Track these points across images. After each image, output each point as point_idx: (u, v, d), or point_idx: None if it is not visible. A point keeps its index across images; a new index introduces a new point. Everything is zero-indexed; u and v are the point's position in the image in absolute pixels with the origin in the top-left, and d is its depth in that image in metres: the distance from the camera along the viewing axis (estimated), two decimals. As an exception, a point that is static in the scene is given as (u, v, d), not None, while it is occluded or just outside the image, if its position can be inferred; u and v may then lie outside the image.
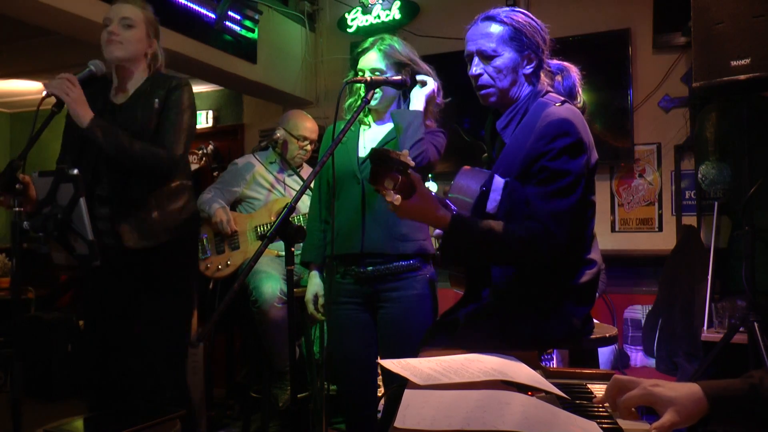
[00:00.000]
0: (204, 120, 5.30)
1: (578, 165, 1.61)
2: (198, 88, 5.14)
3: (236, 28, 4.01)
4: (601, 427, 1.00)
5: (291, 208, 1.63)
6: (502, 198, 1.63)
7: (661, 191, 3.99)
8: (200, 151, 4.02)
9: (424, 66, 2.22)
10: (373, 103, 2.19)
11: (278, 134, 3.29)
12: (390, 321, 2.20)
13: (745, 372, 1.03)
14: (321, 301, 2.34)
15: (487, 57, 1.70)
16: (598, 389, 1.25)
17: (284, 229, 1.60)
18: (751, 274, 2.81)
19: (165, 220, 2.28)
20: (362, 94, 2.24)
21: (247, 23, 4.09)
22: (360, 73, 2.19)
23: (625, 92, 3.95)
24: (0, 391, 4.32)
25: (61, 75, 2.13)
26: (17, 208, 1.88)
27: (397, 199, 1.36)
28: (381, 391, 2.63)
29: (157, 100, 2.25)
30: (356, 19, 4.64)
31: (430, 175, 2.78)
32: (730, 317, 3.30)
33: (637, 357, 3.72)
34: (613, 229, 4.09)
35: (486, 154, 1.90)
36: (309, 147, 3.35)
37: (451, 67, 2.36)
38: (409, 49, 2.23)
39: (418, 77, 2.18)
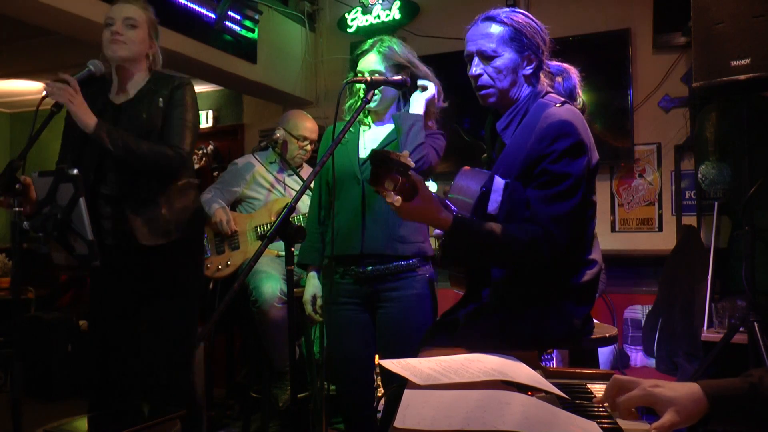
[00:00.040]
0: (204, 120, 5.30)
1: (579, 167, 1.61)
2: (198, 88, 5.11)
3: (236, 28, 4.01)
4: (601, 427, 1.00)
5: (291, 208, 1.63)
6: (502, 199, 1.63)
7: (661, 191, 3.99)
8: (200, 151, 4.02)
9: (423, 68, 2.22)
10: (372, 104, 2.20)
11: (278, 134, 3.29)
12: (389, 321, 2.20)
13: (745, 372, 1.03)
14: (319, 302, 2.34)
15: (487, 57, 1.70)
16: (598, 389, 1.25)
17: (284, 229, 1.60)
18: (751, 274, 2.81)
19: (174, 218, 2.29)
20: (362, 95, 2.24)
21: (247, 23, 4.09)
22: (359, 75, 2.19)
23: (625, 92, 3.95)
24: (0, 391, 4.32)
25: (60, 76, 2.13)
26: (17, 208, 1.88)
27: (397, 200, 1.35)
28: (380, 392, 2.63)
29: (161, 99, 2.26)
30: (356, 19, 4.64)
31: (430, 177, 2.78)
32: (730, 317, 3.30)
33: (637, 357, 3.72)
34: (613, 229, 4.09)
35: (486, 155, 1.90)
36: (309, 147, 3.35)
37: (451, 67, 2.36)
38: (408, 51, 2.22)
39: (419, 82, 2.19)
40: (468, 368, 1.21)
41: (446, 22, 4.35)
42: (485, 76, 1.71)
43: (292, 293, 1.68)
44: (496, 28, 1.70)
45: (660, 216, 3.99)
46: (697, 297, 3.45)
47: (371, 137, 2.29)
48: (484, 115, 1.87)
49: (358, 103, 2.25)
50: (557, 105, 1.66)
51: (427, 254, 2.23)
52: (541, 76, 1.76)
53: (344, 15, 4.69)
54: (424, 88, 2.18)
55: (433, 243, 2.38)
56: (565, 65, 1.83)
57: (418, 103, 2.17)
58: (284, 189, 3.34)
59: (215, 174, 4.16)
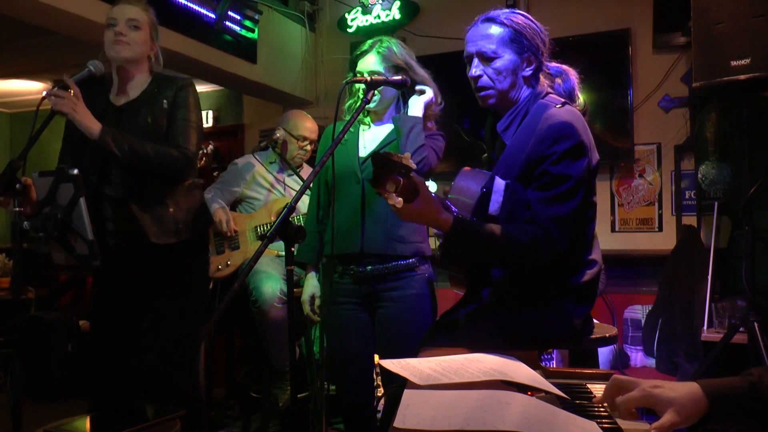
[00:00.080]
0: (204, 120, 5.28)
1: (579, 168, 1.61)
2: (198, 88, 5.09)
3: (236, 28, 4.01)
4: (601, 427, 1.00)
5: (291, 208, 1.63)
6: (503, 200, 1.63)
7: (661, 191, 3.99)
8: (200, 151, 4.02)
9: (421, 72, 2.23)
10: (372, 104, 2.20)
11: (278, 134, 3.29)
12: (389, 320, 2.20)
13: (745, 371, 1.03)
14: (318, 302, 2.35)
15: (487, 58, 1.70)
16: (598, 389, 1.25)
17: (284, 229, 1.60)
18: (751, 274, 2.81)
19: (183, 217, 2.30)
20: (361, 95, 2.24)
21: (247, 23, 4.09)
22: (359, 75, 2.20)
23: (625, 92, 3.95)
24: (0, 391, 4.32)
25: (62, 81, 2.12)
26: (17, 209, 1.88)
27: (399, 201, 1.36)
28: (380, 392, 2.63)
29: (165, 101, 2.28)
30: (356, 19, 4.64)
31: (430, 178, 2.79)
32: (730, 317, 3.30)
33: (637, 357, 3.72)
34: (613, 229, 4.09)
35: (486, 155, 1.90)
36: (309, 147, 3.35)
37: (450, 67, 2.36)
38: (407, 53, 2.23)
39: (417, 87, 2.20)
40: (468, 368, 1.21)
41: (446, 22, 4.35)
42: (485, 78, 1.71)
43: (292, 293, 1.68)
44: (496, 30, 1.70)
45: (660, 216, 3.99)
46: (697, 297, 3.45)
47: (371, 137, 2.29)
48: (484, 115, 1.87)
49: (358, 103, 2.26)
50: (557, 106, 1.66)
51: (425, 254, 2.23)
52: (541, 77, 1.76)
53: (344, 15, 4.69)
54: (422, 92, 2.20)
55: (433, 243, 2.38)
56: (564, 66, 1.83)
57: (416, 106, 2.19)
58: (284, 189, 3.34)
59: (215, 174, 4.16)
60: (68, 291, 5.27)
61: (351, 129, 2.24)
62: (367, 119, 2.32)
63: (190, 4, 3.65)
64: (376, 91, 2.16)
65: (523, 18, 1.72)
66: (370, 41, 2.25)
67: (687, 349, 3.39)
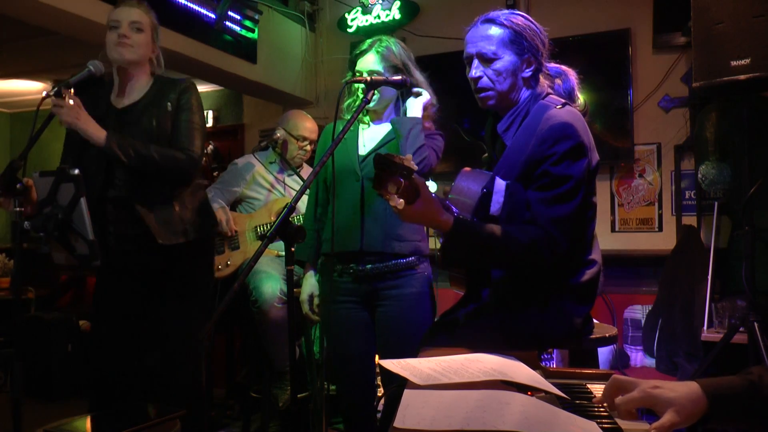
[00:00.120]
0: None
1: (579, 169, 1.61)
2: (198, 88, 5.13)
3: (236, 28, 4.01)
4: (601, 427, 1.00)
5: (291, 208, 1.63)
6: (504, 200, 1.63)
7: (661, 191, 3.99)
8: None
9: (418, 75, 2.24)
10: (371, 104, 2.20)
11: (278, 134, 3.29)
12: (389, 319, 2.21)
13: (745, 370, 1.03)
14: (316, 301, 2.35)
15: (487, 60, 1.70)
16: (598, 389, 1.25)
17: (284, 229, 1.60)
18: (751, 274, 2.81)
19: (189, 218, 2.31)
20: (360, 95, 2.25)
21: (247, 23, 4.09)
22: (358, 75, 2.21)
23: (625, 92, 3.95)
24: (0, 391, 4.32)
25: (59, 88, 2.12)
26: (18, 209, 1.88)
27: (400, 203, 1.36)
28: (380, 391, 2.63)
29: (169, 103, 2.29)
30: (356, 19, 4.64)
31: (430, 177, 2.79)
32: (730, 317, 3.30)
33: (637, 357, 3.72)
34: (613, 229, 4.09)
35: (486, 155, 1.90)
36: (308, 147, 3.35)
37: (450, 67, 2.37)
38: (405, 53, 2.24)
39: (414, 90, 2.22)
40: (468, 368, 1.21)
41: (446, 22, 4.36)
42: (485, 79, 1.71)
43: (292, 293, 1.68)
44: (496, 31, 1.70)
45: (660, 216, 3.99)
46: (697, 297, 3.45)
47: (370, 136, 2.30)
48: (484, 115, 1.87)
49: (357, 102, 2.27)
50: (558, 107, 1.66)
51: (424, 252, 2.24)
52: (541, 78, 1.76)
53: (344, 15, 4.69)
54: (418, 94, 2.22)
55: (433, 243, 2.38)
56: (564, 67, 1.83)
57: (415, 107, 2.20)
58: (284, 189, 3.34)
59: (215, 174, 4.17)
60: (68, 291, 5.27)
61: (350, 128, 2.24)
62: (366, 118, 2.33)
63: (190, 4, 3.65)
64: (375, 91, 2.16)
65: (523, 19, 1.72)
66: (369, 40, 2.25)
67: (687, 349, 3.39)
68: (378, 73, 2.18)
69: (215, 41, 3.86)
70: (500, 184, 1.64)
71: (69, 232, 1.95)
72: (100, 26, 3.04)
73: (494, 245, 1.56)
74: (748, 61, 2.65)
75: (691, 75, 3.06)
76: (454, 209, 1.61)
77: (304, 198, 2.68)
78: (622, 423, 1.04)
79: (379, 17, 4.57)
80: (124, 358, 2.33)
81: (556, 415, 1.01)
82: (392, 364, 1.22)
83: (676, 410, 0.96)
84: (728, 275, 3.60)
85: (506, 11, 1.74)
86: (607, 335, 1.86)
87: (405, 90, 2.21)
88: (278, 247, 3.10)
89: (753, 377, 0.99)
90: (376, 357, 2.37)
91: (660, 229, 3.98)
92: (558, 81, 1.81)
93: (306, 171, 3.43)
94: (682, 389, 0.98)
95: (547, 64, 1.79)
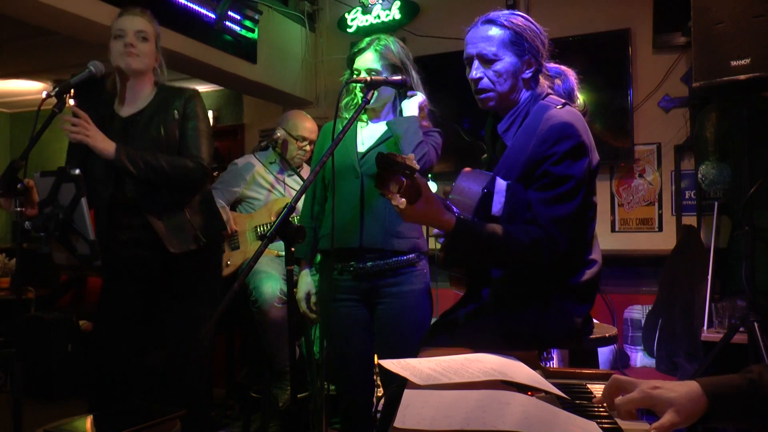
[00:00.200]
0: (204, 120, 5.30)
1: (580, 169, 1.61)
2: (198, 88, 5.12)
3: (236, 28, 4.01)
4: (601, 427, 1.00)
5: (291, 208, 1.63)
6: (505, 200, 1.63)
7: (661, 191, 4.00)
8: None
9: (414, 74, 2.26)
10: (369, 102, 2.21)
11: (278, 134, 3.29)
12: (389, 317, 2.21)
13: (745, 368, 1.03)
14: (313, 299, 2.35)
15: (487, 61, 1.70)
16: (598, 389, 1.25)
17: (284, 229, 1.60)
18: (751, 274, 2.81)
19: (199, 223, 2.33)
20: (358, 93, 2.26)
21: (247, 23, 4.09)
22: (356, 73, 2.22)
23: (625, 92, 3.95)
24: (0, 391, 4.32)
25: (70, 113, 2.13)
26: (19, 209, 1.89)
27: (402, 202, 1.36)
28: (380, 392, 2.63)
29: (175, 111, 2.30)
30: (356, 19, 4.64)
31: (429, 175, 2.79)
32: (730, 317, 3.30)
33: (637, 357, 3.72)
34: (613, 229, 4.09)
35: (486, 155, 1.91)
36: (308, 147, 3.35)
37: (450, 67, 2.37)
38: (404, 52, 2.26)
39: (408, 93, 2.24)
40: (468, 368, 1.21)
41: (446, 22, 4.36)
42: (485, 80, 1.71)
43: (292, 293, 1.68)
44: (496, 31, 1.70)
45: (660, 216, 3.99)
46: (697, 297, 3.45)
47: (368, 134, 2.31)
48: (484, 115, 1.87)
49: (355, 101, 2.28)
50: (558, 107, 1.66)
51: (422, 249, 2.25)
52: (540, 78, 1.77)
53: (344, 15, 4.69)
54: (412, 95, 2.23)
55: (433, 244, 2.38)
56: (563, 67, 1.83)
57: (411, 107, 2.22)
58: (284, 189, 3.34)
59: (215, 174, 4.17)
60: (68, 291, 5.26)
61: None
62: (364, 117, 2.33)
63: (190, 4, 3.65)
64: (374, 90, 2.17)
65: (523, 20, 1.72)
66: (368, 39, 2.26)
67: (687, 349, 3.39)
68: (376, 71, 2.18)
69: (215, 41, 3.86)
70: (501, 184, 1.64)
71: (70, 232, 1.95)
72: (100, 26, 3.06)
73: (495, 245, 1.56)
74: (748, 61, 2.65)
75: (691, 75, 3.06)
76: (455, 209, 1.61)
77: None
78: (622, 423, 1.04)
79: (379, 17, 4.57)
80: (125, 359, 2.33)
81: (556, 415, 1.01)
82: (392, 364, 1.22)
83: (676, 410, 0.96)
84: (728, 275, 3.60)
85: (506, 12, 1.74)
86: (607, 335, 1.86)
87: (406, 89, 2.21)
88: (278, 247, 3.10)
89: (753, 375, 0.99)
90: (375, 357, 2.37)
91: (660, 229, 3.98)
92: (558, 81, 1.81)
93: (306, 171, 3.43)
94: (682, 389, 0.98)
95: (547, 65, 1.79)
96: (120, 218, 2.28)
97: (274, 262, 3.11)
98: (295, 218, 3.00)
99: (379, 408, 2.30)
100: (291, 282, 1.68)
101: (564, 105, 1.68)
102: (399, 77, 2.09)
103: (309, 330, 3.15)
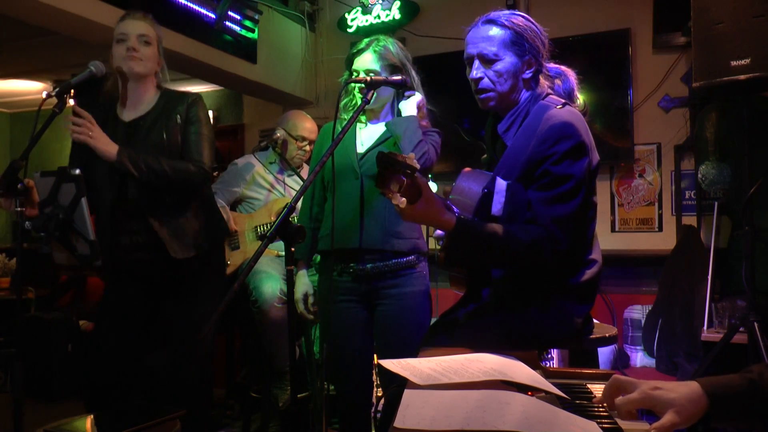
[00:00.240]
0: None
1: (580, 168, 1.61)
2: (198, 88, 5.14)
3: (236, 28, 4.01)
4: (601, 427, 1.00)
5: (291, 208, 1.63)
6: (505, 200, 1.63)
7: (661, 191, 4.00)
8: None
9: (413, 75, 2.26)
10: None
11: (278, 134, 3.29)
12: (388, 319, 2.21)
13: (745, 368, 1.03)
14: (311, 300, 2.35)
15: (488, 61, 1.70)
16: (598, 389, 1.25)
17: (284, 229, 1.60)
18: (751, 274, 2.81)
19: (200, 229, 2.33)
20: (357, 94, 2.26)
21: (247, 23, 4.09)
22: (355, 74, 2.22)
23: (625, 92, 3.95)
24: (0, 391, 4.32)
25: (73, 113, 2.13)
26: (19, 209, 1.89)
27: (402, 201, 1.36)
28: (380, 392, 2.63)
29: (178, 116, 2.30)
30: (356, 19, 4.64)
31: (429, 175, 2.80)
32: (730, 317, 3.30)
33: (637, 357, 3.72)
34: (613, 229, 4.09)
35: (486, 156, 1.91)
36: (308, 147, 3.35)
37: (450, 67, 2.37)
38: (403, 53, 2.25)
39: (406, 93, 2.24)
40: (468, 368, 1.21)
41: (446, 22, 4.36)
42: (486, 80, 1.71)
43: (292, 293, 1.68)
44: (497, 32, 1.70)
45: (660, 216, 3.99)
46: (697, 297, 3.45)
47: (367, 135, 2.31)
48: (484, 115, 1.87)
49: (353, 101, 2.28)
50: (558, 107, 1.66)
51: (422, 250, 2.25)
52: (541, 78, 1.77)
53: (344, 15, 4.69)
54: (410, 96, 2.24)
55: (433, 244, 2.38)
56: (563, 67, 1.83)
57: (409, 107, 2.22)
58: (284, 189, 3.34)
59: (215, 174, 4.17)
60: (68, 291, 5.26)
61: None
62: (363, 117, 2.33)
63: (190, 4, 3.65)
64: (374, 91, 2.17)
65: (523, 20, 1.72)
66: (366, 40, 2.26)
67: (687, 349, 3.39)
68: (375, 72, 2.18)
69: (215, 41, 3.86)
70: (501, 184, 1.64)
71: (70, 232, 1.95)
72: (100, 26, 3.05)
73: (496, 245, 1.56)
74: (748, 61, 2.65)
75: (691, 75, 3.06)
76: (456, 209, 1.61)
77: (305, 198, 2.68)
78: (622, 423, 1.04)
79: (379, 17, 4.57)
80: (126, 359, 2.33)
81: (556, 415, 1.01)
82: (392, 364, 1.22)
83: (676, 411, 0.96)
84: (728, 275, 3.60)
85: (507, 12, 1.74)
86: (607, 335, 1.86)
87: (405, 89, 2.22)
88: (278, 247, 3.10)
89: (753, 375, 0.99)
90: (375, 357, 2.37)
91: (660, 229, 3.98)
92: (558, 81, 1.81)
93: (306, 171, 3.43)
94: (683, 390, 0.98)
95: (547, 65, 1.79)
96: (123, 222, 2.29)
97: (274, 262, 3.11)
98: (294, 218, 3.00)
99: (379, 408, 2.30)
100: (291, 282, 1.68)
101: (564, 105, 1.68)
102: (399, 77, 2.09)
103: (309, 330, 3.15)
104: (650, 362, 3.63)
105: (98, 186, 2.26)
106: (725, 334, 2.89)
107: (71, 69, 4.73)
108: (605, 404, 1.09)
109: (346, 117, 2.29)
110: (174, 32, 3.49)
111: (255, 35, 4.18)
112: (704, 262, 3.50)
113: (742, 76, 2.67)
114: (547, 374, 1.34)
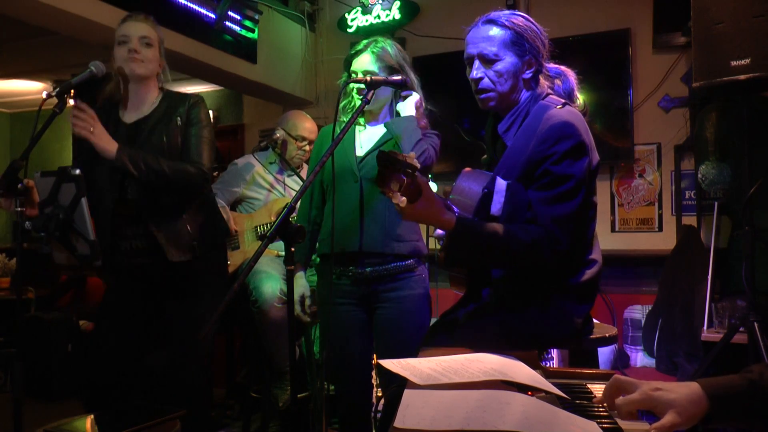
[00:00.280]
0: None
1: (580, 168, 1.61)
2: (198, 88, 5.14)
3: (236, 28, 4.01)
4: (601, 427, 1.00)
5: (291, 208, 1.63)
6: (505, 200, 1.63)
7: (661, 191, 4.00)
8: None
9: (411, 76, 2.26)
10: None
11: (277, 134, 3.29)
12: (388, 322, 2.21)
13: (745, 368, 1.03)
14: (308, 301, 2.35)
15: (488, 61, 1.70)
16: (598, 389, 1.25)
17: (284, 229, 1.60)
18: (751, 274, 2.81)
19: (198, 233, 2.33)
20: (356, 96, 2.26)
21: (247, 23, 4.09)
22: (353, 75, 2.22)
23: (625, 92, 3.95)
24: (0, 391, 4.32)
25: (75, 106, 2.13)
26: (19, 209, 1.89)
27: (402, 201, 1.36)
28: (379, 392, 2.64)
29: (179, 118, 2.30)
30: (356, 19, 4.64)
31: (429, 175, 2.80)
32: (730, 317, 3.30)
33: (637, 357, 3.72)
34: (613, 229, 4.09)
35: (486, 156, 1.91)
36: (308, 147, 3.35)
37: (450, 67, 2.37)
38: (401, 55, 2.26)
39: (403, 93, 2.24)
40: (468, 368, 1.21)
41: (446, 22, 4.36)
42: (486, 80, 1.71)
43: (292, 293, 1.68)
44: (497, 32, 1.70)
45: (660, 216, 3.99)
46: (697, 297, 3.45)
47: (366, 137, 2.31)
48: (484, 115, 1.87)
49: (352, 103, 2.28)
50: (558, 107, 1.66)
51: (422, 253, 2.25)
52: (541, 78, 1.77)
53: (344, 15, 4.69)
54: (408, 96, 2.24)
55: (433, 244, 2.38)
56: (563, 67, 1.83)
57: (407, 107, 2.22)
58: (284, 189, 3.34)
59: (215, 174, 4.17)
60: (68, 291, 5.26)
61: (346, 128, 2.26)
62: (362, 119, 2.33)
63: (190, 4, 3.65)
64: (373, 91, 2.17)
65: (524, 20, 1.72)
66: (365, 41, 2.26)
67: (687, 349, 3.39)
68: (373, 73, 2.18)
69: (215, 41, 3.86)
70: (501, 184, 1.64)
71: (70, 232, 1.95)
72: (100, 26, 3.06)
73: (496, 244, 1.56)
74: (748, 61, 2.65)
75: (691, 75, 3.06)
76: (456, 209, 1.61)
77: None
78: (623, 423, 1.04)
79: (379, 17, 4.57)
80: (126, 359, 2.33)
81: (557, 415, 1.01)
82: (392, 364, 1.22)
83: (677, 411, 0.96)
84: (728, 275, 3.60)
85: (507, 12, 1.74)
86: (607, 335, 1.86)
87: (401, 90, 2.22)
88: (278, 247, 3.10)
89: (753, 376, 0.99)
90: (374, 357, 2.37)
91: (660, 229, 3.99)
92: (558, 81, 1.81)
93: (305, 171, 3.43)
94: (683, 390, 0.98)
95: (547, 65, 1.79)
96: (122, 227, 2.29)
97: (274, 262, 3.11)
98: (294, 218, 3.00)
99: (379, 408, 2.31)
100: (291, 282, 1.68)
101: (564, 105, 1.68)
102: (399, 78, 2.09)
103: (309, 330, 3.15)
104: (650, 362, 3.63)
105: (99, 187, 2.26)
106: (725, 334, 2.89)
107: (71, 69, 4.73)
108: (605, 404, 1.09)
109: (345, 119, 2.29)
110: (174, 32, 3.49)
111: (255, 35, 4.18)
112: (704, 262, 3.50)
113: (742, 76, 2.67)
114: (547, 374, 1.34)
